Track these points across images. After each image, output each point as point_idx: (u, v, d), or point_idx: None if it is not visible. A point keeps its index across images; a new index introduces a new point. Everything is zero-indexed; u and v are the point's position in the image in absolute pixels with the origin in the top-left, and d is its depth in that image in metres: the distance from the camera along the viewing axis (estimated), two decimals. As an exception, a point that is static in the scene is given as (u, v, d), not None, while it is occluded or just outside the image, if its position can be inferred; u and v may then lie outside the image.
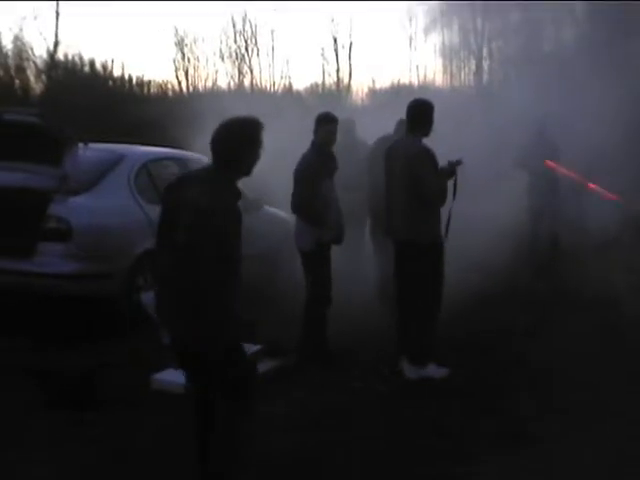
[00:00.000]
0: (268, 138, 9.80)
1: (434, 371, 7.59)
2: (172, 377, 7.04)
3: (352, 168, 9.62)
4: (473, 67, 40.72)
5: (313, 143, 8.28)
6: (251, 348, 7.96)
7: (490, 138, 13.30)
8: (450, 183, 7.85)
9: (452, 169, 7.81)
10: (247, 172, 4.95)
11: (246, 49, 40.23)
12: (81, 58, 30.30)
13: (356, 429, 6.43)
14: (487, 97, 21.35)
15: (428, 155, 7.63)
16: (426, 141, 7.83)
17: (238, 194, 4.82)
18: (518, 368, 7.91)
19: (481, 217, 10.49)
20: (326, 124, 8.25)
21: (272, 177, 9.55)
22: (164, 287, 4.90)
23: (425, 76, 44.10)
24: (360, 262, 10.53)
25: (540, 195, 12.70)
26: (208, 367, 4.76)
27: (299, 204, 8.11)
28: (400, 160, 7.68)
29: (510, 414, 6.68)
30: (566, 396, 7.06)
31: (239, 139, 4.80)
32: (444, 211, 7.88)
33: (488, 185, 12.00)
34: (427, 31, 41.76)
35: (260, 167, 9.64)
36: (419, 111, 7.86)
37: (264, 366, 7.72)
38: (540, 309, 10.10)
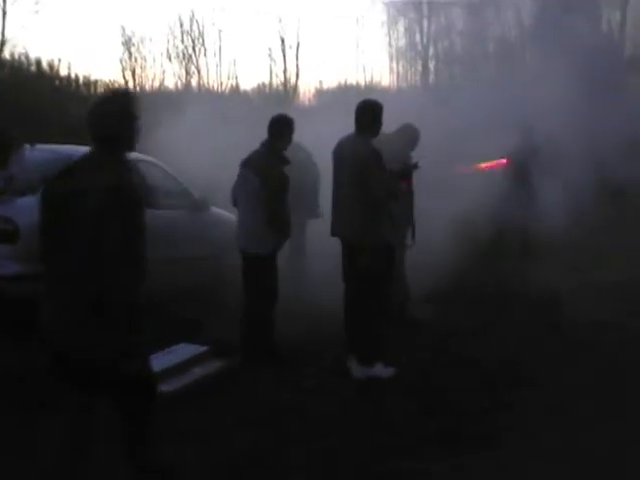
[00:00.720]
0: (215, 138, 9.83)
1: (381, 371, 7.60)
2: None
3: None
4: (420, 67, 40.94)
5: (266, 144, 8.27)
6: (199, 349, 7.99)
7: (443, 137, 13.39)
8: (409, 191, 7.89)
9: (406, 172, 7.82)
10: (129, 148, 4.65)
11: (193, 49, 40.09)
12: (27, 57, 29.95)
13: (309, 427, 6.41)
14: (437, 96, 21.41)
15: (376, 156, 7.59)
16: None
17: (120, 175, 4.41)
18: (467, 367, 7.93)
19: (435, 216, 10.54)
20: (285, 127, 8.37)
21: (219, 177, 9.54)
22: (50, 297, 4.55)
23: (372, 76, 44.14)
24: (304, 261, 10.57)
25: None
26: (99, 377, 4.47)
27: (272, 211, 8.04)
28: (348, 160, 7.64)
29: (460, 412, 6.68)
30: (514, 394, 7.10)
31: (111, 114, 4.54)
32: (406, 216, 7.93)
33: (443, 184, 12.06)
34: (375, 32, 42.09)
35: (207, 166, 9.66)
36: (368, 111, 7.80)
37: (212, 366, 7.73)
38: (489, 308, 10.14)
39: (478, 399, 6.98)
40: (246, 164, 8.30)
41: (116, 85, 33.00)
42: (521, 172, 13.10)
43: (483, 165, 13.23)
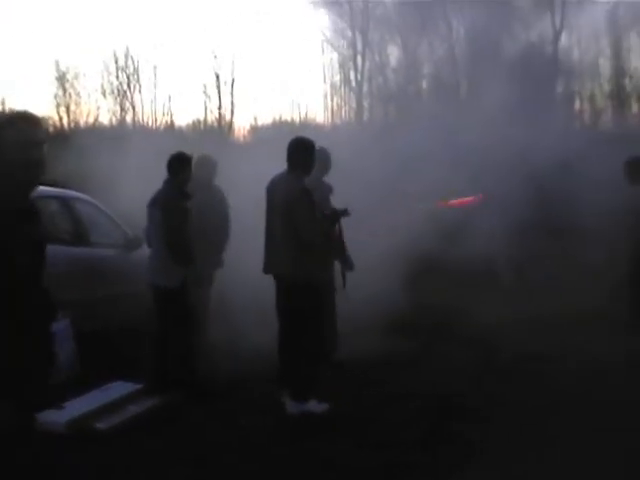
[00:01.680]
0: (148, 175, 9.86)
1: (315, 406, 7.59)
2: (54, 417, 6.99)
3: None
4: (354, 104, 41.31)
5: (168, 182, 8.43)
6: (134, 386, 7.97)
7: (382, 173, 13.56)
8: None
9: (335, 218, 7.88)
10: (27, 180, 4.16)
11: (128, 85, 40.07)
12: (-41, 92, 29.74)
13: (242, 465, 6.40)
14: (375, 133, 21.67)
15: (306, 196, 7.60)
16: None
17: None
18: (402, 399, 7.96)
19: (377, 248, 10.63)
20: (187, 164, 8.45)
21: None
22: None
23: (307, 113, 44.41)
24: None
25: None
26: None
27: (174, 244, 8.16)
28: (279, 199, 7.67)
29: (397, 445, 6.72)
30: (452, 426, 7.17)
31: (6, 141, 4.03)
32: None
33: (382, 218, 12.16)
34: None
35: (141, 204, 9.66)
36: (300, 149, 7.83)
37: (148, 403, 7.71)
38: (424, 340, 10.23)
39: (416, 432, 7.03)
40: (152, 203, 8.49)
41: (50, 121, 32.80)
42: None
43: (454, 201, 13.34)
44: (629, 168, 10.57)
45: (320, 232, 7.66)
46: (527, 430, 6.97)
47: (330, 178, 9.29)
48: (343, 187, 9.42)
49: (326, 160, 9.60)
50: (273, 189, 7.86)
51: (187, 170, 8.50)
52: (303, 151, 7.82)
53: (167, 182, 8.45)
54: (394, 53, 38.80)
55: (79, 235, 9.76)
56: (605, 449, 6.38)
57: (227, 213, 9.84)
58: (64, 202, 10.28)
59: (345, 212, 7.96)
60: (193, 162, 8.96)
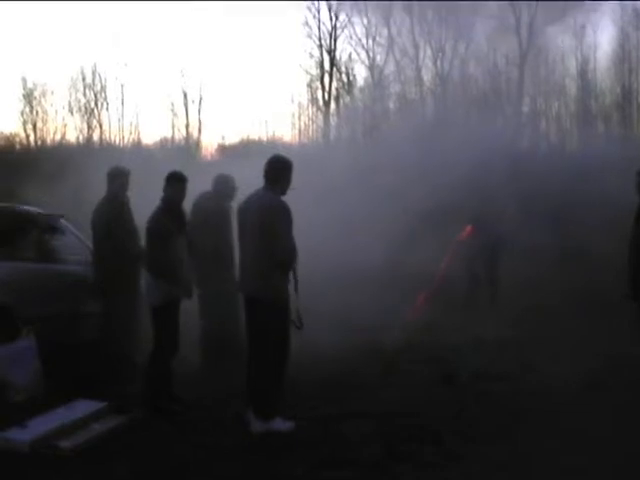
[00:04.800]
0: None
1: (280, 424, 7.57)
2: (17, 436, 6.95)
3: None
4: (321, 123, 41.46)
5: (163, 200, 8.32)
6: (97, 405, 7.93)
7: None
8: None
9: None
10: None
11: (95, 103, 39.97)
12: None
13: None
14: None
15: (286, 212, 7.54)
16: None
17: None
18: (364, 418, 7.95)
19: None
20: (176, 182, 8.36)
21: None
22: None
23: (274, 132, 44.52)
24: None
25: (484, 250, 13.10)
26: None
27: (151, 261, 8.13)
28: (255, 214, 7.60)
29: (358, 463, 6.72)
30: (407, 446, 7.16)
31: None
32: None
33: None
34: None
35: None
36: (279, 167, 7.82)
37: (111, 422, 7.67)
38: (382, 359, 10.25)
39: (376, 450, 7.02)
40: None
41: (17, 139, 32.67)
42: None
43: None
44: None
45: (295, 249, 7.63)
46: (481, 451, 7.00)
47: (297, 196, 9.29)
48: (309, 204, 9.44)
49: (230, 185, 10.00)
50: (247, 207, 7.81)
51: (177, 189, 8.44)
52: (282, 169, 7.81)
53: (161, 200, 8.41)
54: (361, 73, 39.04)
55: (44, 252, 9.71)
56: (557, 471, 6.46)
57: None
58: (29, 219, 10.22)
59: None
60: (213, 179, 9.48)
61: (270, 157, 7.92)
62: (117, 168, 9.57)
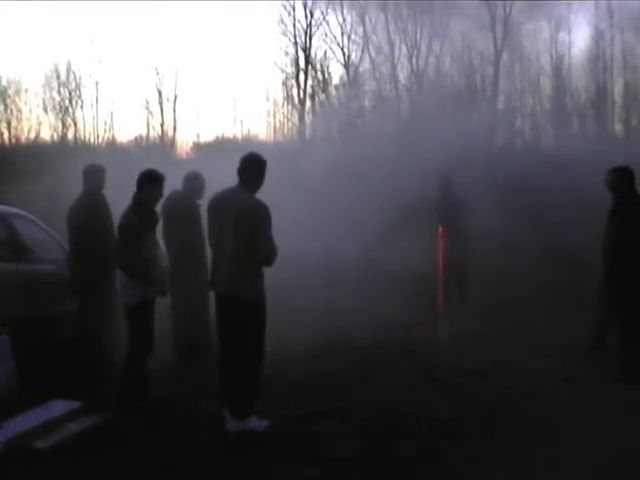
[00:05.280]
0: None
1: (255, 423, 7.55)
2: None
3: None
4: (296, 121, 41.43)
5: (135, 198, 8.27)
6: (72, 404, 7.89)
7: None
8: None
9: None
10: None
11: (70, 101, 39.76)
12: None
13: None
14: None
15: (267, 212, 7.51)
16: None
17: None
18: (341, 415, 7.94)
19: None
20: (154, 183, 8.30)
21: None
22: None
23: (249, 130, 44.47)
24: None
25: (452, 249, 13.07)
26: None
27: (125, 260, 8.09)
28: (232, 214, 7.53)
29: (331, 461, 6.72)
30: (386, 442, 7.18)
31: None
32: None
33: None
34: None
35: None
36: (254, 165, 7.77)
37: (86, 421, 7.64)
38: (360, 356, 10.26)
39: (353, 447, 7.01)
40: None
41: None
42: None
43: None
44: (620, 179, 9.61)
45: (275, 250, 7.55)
46: (460, 446, 7.03)
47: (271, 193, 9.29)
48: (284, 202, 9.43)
49: (200, 183, 10.09)
50: (221, 204, 7.73)
51: (152, 188, 8.37)
52: (257, 167, 7.77)
53: (133, 198, 8.33)
54: (337, 70, 39.09)
55: (18, 251, 9.65)
56: (533, 464, 6.52)
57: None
58: (1, 218, 10.13)
59: None
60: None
61: (244, 155, 7.88)
62: (93, 165, 9.55)
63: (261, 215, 7.46)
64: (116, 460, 6.81)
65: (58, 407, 7.86)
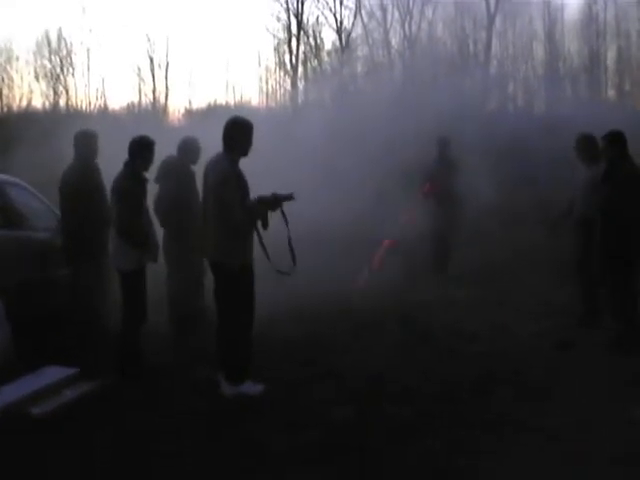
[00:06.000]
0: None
1: (249, 388, 7.60)
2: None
3: None
4: (288, 87, 41.31)
5: (128, 165, 8.29)
6: (68, 371, 7.92)
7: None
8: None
9: (276, 202, 7.71)
10: None
11: (61, 68, 39.56)
12: None
13: (171, 447, 6.38)
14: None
15: (234, 179, 7.49)
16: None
17: None
18: (334, 379, 8.00)
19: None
20: (146, 151, 8.35)
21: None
22: None
23: (242, 96, 44.31)
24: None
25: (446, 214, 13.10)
26: None
27: (125, 227, 8.09)
28: (211, 179, 7.58)
29: (330, 424, 6.77)
30: (381, 406, 7.22)
31: None
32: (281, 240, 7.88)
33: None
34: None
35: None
36: (236, 129, 7.69)
37: (83, 388, 7.67)
38: (357, 323, 10.31)
39: (346, 412, 7.05)
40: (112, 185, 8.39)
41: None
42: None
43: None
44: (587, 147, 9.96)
45: (251, 217, 7.56)
46: (454, 410, 7.09)
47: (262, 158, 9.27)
48: (277, 169, 9.42)
49: (194, 148, 10.04)
50: (206, 171, 7.77)
51: (145, 155, 8.39)
52: (239, 131, 7.69)
53: (125, 165, 8.33)
54: (329, 36, 38.93)
55: (11, 218, 9.62)
56: (527, 430, 6.55)
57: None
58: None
59: (289, 197, 7.76)
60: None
61: (228, 119, 7.82)
62: (85, 132, 9.41)
63: (229, 183, 7.42)
64: (113, 426, 6.84)
65: (53, 373, 7.89)
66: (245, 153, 7.72)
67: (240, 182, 7.56)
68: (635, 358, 8.26)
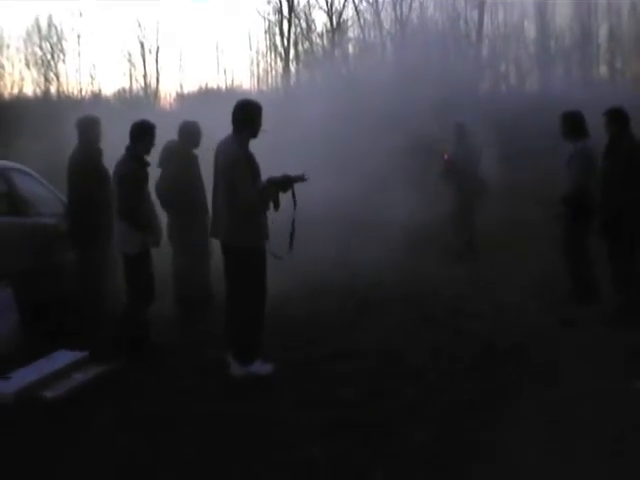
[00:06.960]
0: (73, 144, 9.79)
1: (259, 367, 7.66)
2: (1, 387, 7.06)
3: None
4: (280, 70, 41.25)
5: (129, 149, 8.35)
6: (78, 354, 7.98)
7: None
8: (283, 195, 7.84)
9: (287, 183, 7.71)
10: None
11: (52, 55, 39.47)
12: None
13: (183, 428, 6.45)
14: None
15: (245, 160, 7.51)
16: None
17: None
18: (343, 358, 8.06)
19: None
20: (146, 135, 8.43)
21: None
22: None
23: (233, 80, 44.26)
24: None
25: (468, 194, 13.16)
26: None
27: (128, 210, 8.14)
28: (221, 160, 7.61)
29: (341, 402, 6.83)
30: (390, 383, 7.30)
31: None
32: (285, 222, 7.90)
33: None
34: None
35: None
36: (246, 111, 7.71)
37: (93, 371, 7.73)
38: (360, 299, 10.43)
39: (352, 389, 7.14)
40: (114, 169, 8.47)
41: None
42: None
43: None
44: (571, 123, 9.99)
45: (263, 197, 7.60)
46: (461, 386, 7.18)
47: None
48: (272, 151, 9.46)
49: (195, 131, 10.02)
50: (217, 153, 7.78)
51: (147, 138, 8.46)
52: (248, 112, 7.70)
53: (127, 149, 8.39)
54: (320, 18, 38.87)
55: (17, 205, 9.65)
56: (532, 405, 6.63)
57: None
58: (0, 172, 10.11)
59: (300, 178, 7.75)
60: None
61: (237, 101, 7.84)
62: (89, 117, 9.61)
63: (239, 164, 7.44)
64: (124, 408, 6.91)
65: (63, 357, 7.97)
66: (255, 135, 7.73)
67: (251, 164, 7.58)
68: (635, 333, 8.33)
